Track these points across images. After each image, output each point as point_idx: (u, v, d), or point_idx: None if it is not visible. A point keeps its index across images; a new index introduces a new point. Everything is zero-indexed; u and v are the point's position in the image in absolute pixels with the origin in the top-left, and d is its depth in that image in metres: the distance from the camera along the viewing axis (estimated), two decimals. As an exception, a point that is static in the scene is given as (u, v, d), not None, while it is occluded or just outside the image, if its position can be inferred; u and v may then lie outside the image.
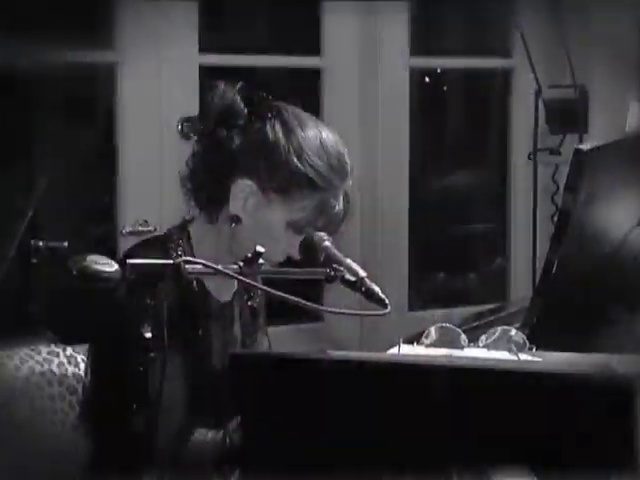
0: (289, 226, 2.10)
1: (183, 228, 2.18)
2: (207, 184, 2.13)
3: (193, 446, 2.05)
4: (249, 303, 2.30)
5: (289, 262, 2.01)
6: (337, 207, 2.11)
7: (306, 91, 4.17)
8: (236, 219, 2.11)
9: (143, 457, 1.74)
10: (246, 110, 2.12)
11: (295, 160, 2.08)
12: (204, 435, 2.06)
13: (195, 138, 2.15)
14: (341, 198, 2.12)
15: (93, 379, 2.09)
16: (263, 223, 2.11)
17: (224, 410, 2.13)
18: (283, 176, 2.08)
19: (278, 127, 2.10)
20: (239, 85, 2.16)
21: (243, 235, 2.12)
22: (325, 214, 2.10)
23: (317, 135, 2.11)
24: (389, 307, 1.92)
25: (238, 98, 2.14)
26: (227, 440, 2.03)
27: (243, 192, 2.09)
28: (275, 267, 2.05)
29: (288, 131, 2.10)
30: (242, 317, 2.27)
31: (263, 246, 2.09)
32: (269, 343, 2.39)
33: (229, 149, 2.11)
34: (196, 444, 2.05)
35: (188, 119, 2.15)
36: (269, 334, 2.39)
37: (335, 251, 2.02)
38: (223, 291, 2.21)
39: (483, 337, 2.01)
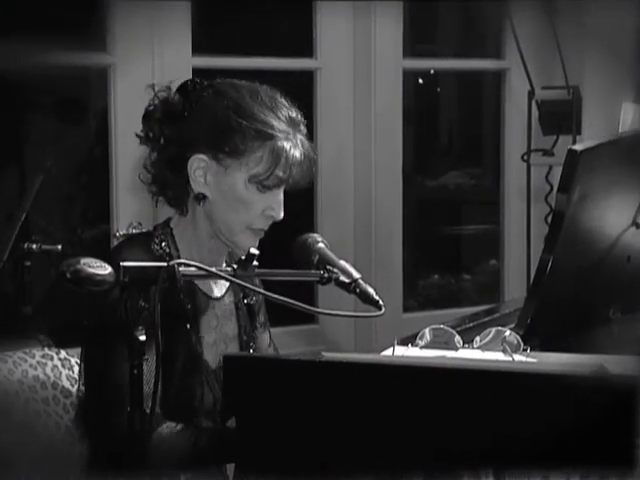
0: (251, 183, 2.09)
1: (166, 224, 2.20)
2: (169, 180, 2.15)
3: (161, 439, 2.02)
4: (245, 301, 2.30)
5: (283, 264, 2.00)
6: (296, 154, 2.10)
7: (300, 93, 4.17)
8: (202, 197, 2.12)
9: (138, 458, 1.74)
10: (182, 99, 2.13)
11: (235, 117, 2.08)
12: (172, 428, 2.04)
13: (149, 144, 2.17)
14: (299, 146, 2.10)
15: (87, 382, 2.09)
16: (228, 191, 2.11)
17: (219, 405, 2.14)
18: (229, 137, 2.08)
19: (213, 97, 2.12)
20: (169, 82, 2.18)
21: (215, 211, 2.13)
22: (283, 162, 2.08)
23: (254, 91, 2.12)
24: (383, 309, 1.92)
25: (171, 92, 2.16)
26: (194, 435, 2.02)
27: (199, 168, 2.10)
28: (269, 268, 2.04)
29: (222, 97, 2.11)
30: (239, 314, 2.27)
31: (237, 213, 2.10)
32: (271, 338, 2.38)
33: (178, 140, 2.12)
34: (165, 437, 2.03)
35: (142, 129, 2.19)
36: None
37: (329, 252, 2.02)
38: (213, 287, 2.21)
39: (477, 338, 2.01)
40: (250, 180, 2.09)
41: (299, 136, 2.12)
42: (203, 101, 2.11)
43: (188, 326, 2.13)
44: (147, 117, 2.17)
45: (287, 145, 2.09)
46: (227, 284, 2.24)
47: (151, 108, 2.16)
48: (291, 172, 2.10)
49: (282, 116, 2.10)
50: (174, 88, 2.18)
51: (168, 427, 2.04)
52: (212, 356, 2.17)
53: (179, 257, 2.13)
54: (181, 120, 2.12)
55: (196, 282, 2.16)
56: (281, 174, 2.09)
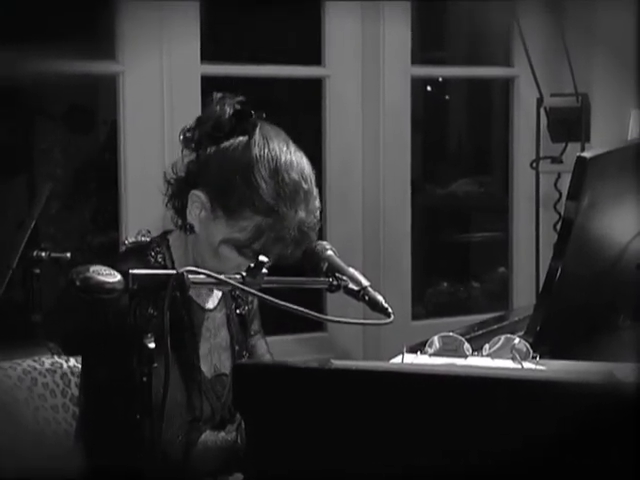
0: (225, 243, 2.07)
1: (164, 237, 2.19)
2: (181, 191, 2.13)
3: (205, 448, 2.06)
4: (237, 311, 2.29)
5: (292, 272, 2.00)
6: (282, 233, 2.04)
7: (308, 101, 4.18)
8: (190, 227, 2.11)
9: (148, 466, 1.74)
10: (232, 124, 2.10)
11: (242, 182, 2.05)
12: (215, 436, 2.07)
13: (186, 145, 2.15)
14: (292, 225, 2.04)
15: (93, 391, 2.09)
16: (208, 237, 2.09)
17: (222, 413, 2.14)
18: (229, 195, 2.06)
19: (243, 145, 2.08)
20: (236, 98, 2.14)
21: (196, 245, 2.13)
22: (264, 238, 2.04)
23: (275, 158, 2.06)
24: (392, 316, 1.92)
25: (228, 110, 2.11)
26: (239, 440, 2.04)
27: (197, 202, 2.09)
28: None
29: (248, 151, 2.07)
30: (230, 325, 2.26)
31: (212, 260, 2.08)
32: (267, 346, 2.37)
33: (200, 159, 2.11)
34: (207, 446, 2.07)
35: (189, 129, 2.15)
36: (270, 342, 2.39)
37: (338, 260, 2.01)
38: (207, 298, 2.21)
39: (486, 346, 2.01)
40: (225, 241, 2.07)
41: (296, 216, 2.05)
42: (237, 142, 2.07)
43: (185, 337, 2.13)
44: (199, 122, 2.13)
45: (277, 227, 2.03)
46: (220, 296, 2.24)
47: (206, 115, 2.12)
48: (266, 248, 2.04)
49: (286, 196, 2.04)
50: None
51: (212, 435, 2.08)
52: (207, 366, 2.17)
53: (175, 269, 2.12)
54: (218, 142, 2.09)
55: (190, 294, 2.15)
56: (255, 247, 2.05)
